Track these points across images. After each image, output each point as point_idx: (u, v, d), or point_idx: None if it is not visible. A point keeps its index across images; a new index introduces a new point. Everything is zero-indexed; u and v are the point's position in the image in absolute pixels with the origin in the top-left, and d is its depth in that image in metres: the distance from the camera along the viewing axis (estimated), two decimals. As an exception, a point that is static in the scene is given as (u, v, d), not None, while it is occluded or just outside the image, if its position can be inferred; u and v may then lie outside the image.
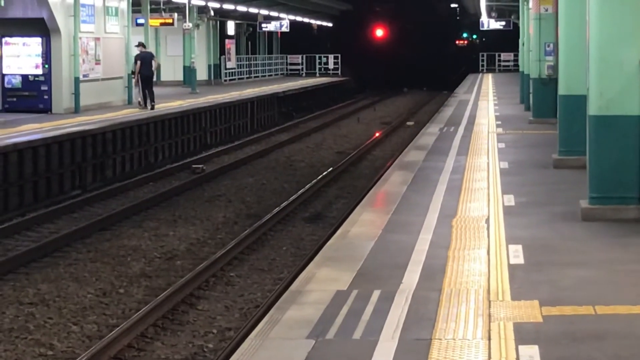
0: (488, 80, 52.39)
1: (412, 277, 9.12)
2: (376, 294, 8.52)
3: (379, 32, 77.18)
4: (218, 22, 49.85)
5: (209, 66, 48.13)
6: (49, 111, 26.55)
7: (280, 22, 55.72)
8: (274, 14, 54.68)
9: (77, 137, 21.69)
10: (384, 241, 10.81)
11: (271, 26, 55.88)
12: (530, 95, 26.79)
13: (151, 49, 34.48)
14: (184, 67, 42.51)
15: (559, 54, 17.09)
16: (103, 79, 29.16)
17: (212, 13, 46.24)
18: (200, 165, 24.67)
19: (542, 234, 11.10)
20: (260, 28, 56.09)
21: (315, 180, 21.97)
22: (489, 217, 12.09)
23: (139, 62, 28.95)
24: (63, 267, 14.25)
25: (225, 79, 49.25)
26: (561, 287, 8.67)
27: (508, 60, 63.65)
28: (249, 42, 57.99)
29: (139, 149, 25.04)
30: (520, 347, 7.04)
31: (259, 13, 53.03)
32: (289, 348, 7.18)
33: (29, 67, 26.61)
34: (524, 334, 7.34)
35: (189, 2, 40.16)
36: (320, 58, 62.78)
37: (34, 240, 16.18)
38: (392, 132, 35.10)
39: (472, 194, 13.96)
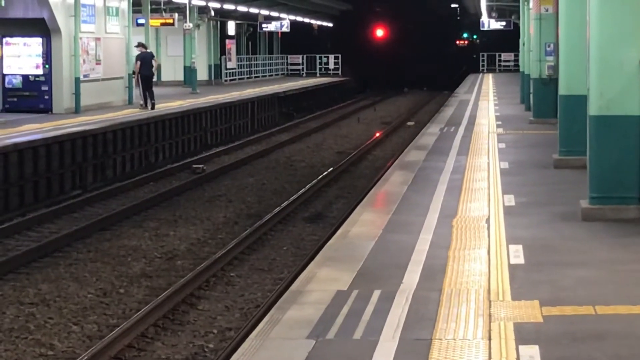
0: (488, 81, 52.39)
1: (412, 277, 9.12)
2: (376, 294, 8.52)
3: (380, 32, 77.20)
4: (218, 22, 49.86)
5: (210, 66, 48.14)
6: (50, 111, 26.56)
7: (280, 22, 55.74)
8: (274, 14, 54.69)
9: (78, 137, 21.69)
10: (385, 241, 10.81)
11: (272, 26, 55.90)
12: (531, 95, 26.79)
13: (152, 49, 34.46)
14: (185, 67, 42.51)
15: (559, 54, 17.09)
16: (103, 79, 29.16)
17: (212, 13, 46.24)
18: (200, 165, 24.67)
19: (543, 234, 11.10)
20: (261, 28, 56.11)
21: (315, 180, 21.97)
22: (489, 217, 12.10)
23: (138, 62, 28.97)
24: (63, 267, 14.25)
25: (226, 79, 49.25)
26: (561, 287, 8.68)
27: (508, 61, 63.65)
28: (250, 42, 58.00)
29: (139, 149, 25.04)
30: (520, 347, 7.04)
31: (259, 13, 53.05)
32: (289, 348, 7.19)
33: (30, 67, 26.61)
34: (524, 334, 7.34)
35: (190, 2, 40.16)
36: (320, 58, 62.79)
37: (35, 240, 16.18)
38: (393, 132, 35.10)
39: (472, 194, 13.97)
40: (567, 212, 12.24)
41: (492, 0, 48.38)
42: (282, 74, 60.43)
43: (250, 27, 56.35)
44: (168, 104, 30.52)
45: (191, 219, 18.02)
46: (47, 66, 26.57)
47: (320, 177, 22.59)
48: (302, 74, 61.40)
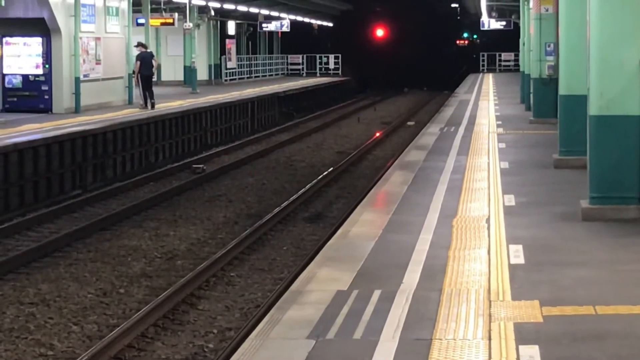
0: (488, 80, 52.39)
1: (412, 277, 9.12)
2: (377, 294, 8.52)
3: (380, 32, 77.21)
4: (218, 22, 49.85)
5: (210, 66, 48.13)
6: (50, 111, 26.55)
7: (280, 22, 55.73)
8: (274, 13, 54.69)
9: (78, 137, 21.69)
10: (385, 241, 10.81)
11: (272, 26, 55.89)
12: (531, 95, 26.79)
13: (152, 48, 34.46)
14: (185, 67, 42.51)
15: (559, 54, 17.09)
16: (103, 79, 29.16)
17: (212, 13, 46.24)
18: (200, 165, 24.67)
19: (543, 234, 11.10)
20: (261, 28, 56.10)
21: (315, 180, 21.97)
22: (489, 217, 12.10)
23: (138, 62, 28.98)
24: (63, 267, 14.25)
25: (226, 78, 49.25)
26: (562, 287, 8.67)
27: (508, 60, 63.65)
28: (250, 42, 58.00)
29: (139, 149, 25.04)
30: (520, 347, 7.04)
31: (259, 13, 53.04)
32: (289, 348, 7.19)
33: (30, 67, 26.61)
34: (524, 334, 7.34)
35: (190, 2, 40.15)
36: (320, 58, 62.79)
37: (35, 240, 16.18)
38: (393, 132, 35.10)
39: (472, 194, 13.97)
40: (567, 212, 12.24)
41: (492, 0, 48.36)
42: (282, 74, 60.44)
43: (250, 26, 56.35)
44: (168, 104, 30.52)
45: (191, 219, 18.02)
46: (47, 66, 26.57)
47: (320, 177, 22.58)
48: (302, 73, 61.40)
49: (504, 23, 53.36)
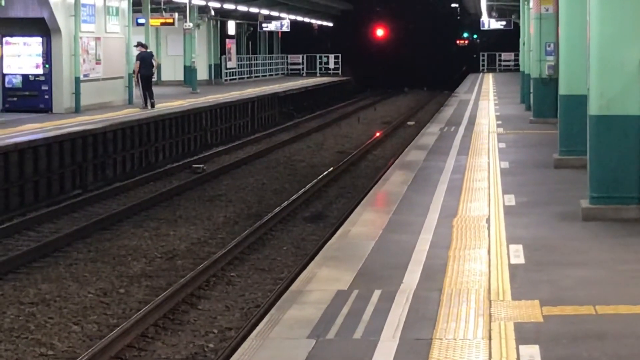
0: (488, 80, 52.39)
1: (412, 277, 9.12)
2: (377, 293, 8.52)
3: (380, 32, 77.22)
4: (219, 22, 49.86)
5: (210, 66, 48.13)
6: (50, 111, 26.56)
7: (280, 22, 55.74)
8: (274, 13, 54.69)
9: (78, 136, 21.69)
10: (385, 241, 10.81)
11: (272, 26, 55.90)
12: (531, 95, 26.79)
13: (152, 48, 34.48)
14: (185, 66, 42.51)
15: (559, 54, 17.09)
16: (104, 79, 29.17)
17: (212, 13, 46.26)
18: (200, 165, 24.67)
19: (543, 233, 11.10)
20: (261, 28, 56.11)
21: (315, 180, 21.97)
22: (489, 217, 12.10)
23: (138, 62, 28.99)
24: (64, 267, 14.25)
25: (226, 78, 49.27)
26: (562, 286, 8.68)
27: (509, 60, 63.66)
28: (250, 42, 58.01)
29: (139, 149, 25.04)
30: (521, 346, 7.04)
31: (259, 13, 53.04)
32: (289, 348, 7.19)
33: (30, 66, 26.61)
34: (524, 333, 7.34)
35: (190, 2, 40.16)
36: (320, 58, 62.81)
37: (35, 240, 16.18)
38: (393, 132, 35.10)
39: (472, 193, 13.97)
40: (567, 212, 12.24)
41: (492, 0, 48.36)
42: (282, 74, 60.44)
43: (250, 26, 56.35)
44: (168, 104, 30.53)
45: (191, 219, 18.02)
46: (47, 66, 26.57)
47: (320, 176, 22.59)
48: (303, 73, 61.41)
49: (504, 23, 53.37)
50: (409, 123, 37.84)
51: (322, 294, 8.57)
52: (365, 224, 11.88)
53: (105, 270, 14.01)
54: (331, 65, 62.28)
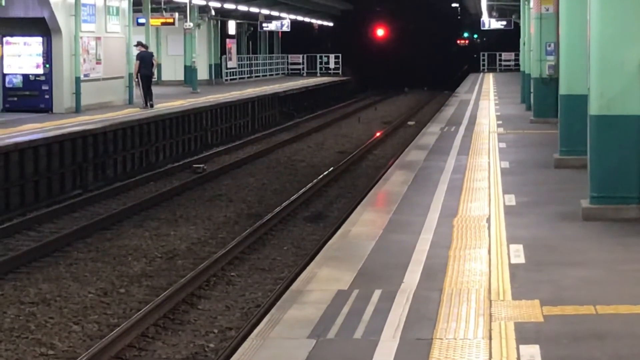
0: (489, 80, 52.39)
1: (413, 276, 9.12)
2: (377, 293, 8.52)
3: (380, 32, 77.23)
4: (219, 22, 49.85)
5: (210, 66, 48.12)
6: (50, 111, 26.56)
7: (281, 22, 55.73)
8: (275, 13, 54.69)
9: (78, 136, 21.69)
10: (385, 241, 10.81)
11: (272, 26, 55.89)
12: (531, 95, 26.79)
13: (152, 48, 34.48)
14: (185, 66, 42.50)
15: (559, 54, 17.09)
16: (104, 79, 29.17)
17: (213, 13, 46.25)
18: (201, 165, 24.67)
19: (543, 233, 11.10)
20: (261, 28, 56.10)
21: (316, 180, 21.97)
22: (490, 216, 12.10)
23: (138, 62, 29.00)
24: (64, 267, 14.25)
25: (226, 78, 49.26)
26: (562, 286, 8.68)
27: (509, 60, 63.65)
28: (250, 42, 58.00)
29: (139, 149, 25.04)
30: (521, 346, 7.04)
31: (260, 13, 53.04)
32: (289, 348, 7.19)
33: (30, 66, 26.61)
34: (525, 333, 7.34)
35: (190, 2, 40.15)
36: (321, 58, 62.79)
37: (35, 239, 16.18)
38: (393, 132, 35.10)
39: (473, 193, 13.97)
40: (567, 212, 12.24)
41: (492, 0, 48.35)
42: (282, 74, 60.44)
43: (250, 26, 56.35)
44: (168, 104, 30.53)
45: (192, 219, 18.02)
46: (47, 66, 26.57)
47: (320, 176, 22.59)
48: (303, 73, 61.41)
49: (504, 23, 53.34)
50: (409, 123, 37.84)
51: (323, 293, 8.57)
52: (365, 224, 11.89)
53: (106, 270, 14.02)
54: (331, 65, 62.27)
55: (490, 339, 7.24)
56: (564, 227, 11.49)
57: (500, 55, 64.77)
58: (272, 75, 57.80)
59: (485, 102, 34.62)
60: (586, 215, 11.80)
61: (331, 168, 24.14)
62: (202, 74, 44.77)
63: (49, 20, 26.20)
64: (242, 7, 48.72)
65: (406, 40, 73.44)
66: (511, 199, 13.35)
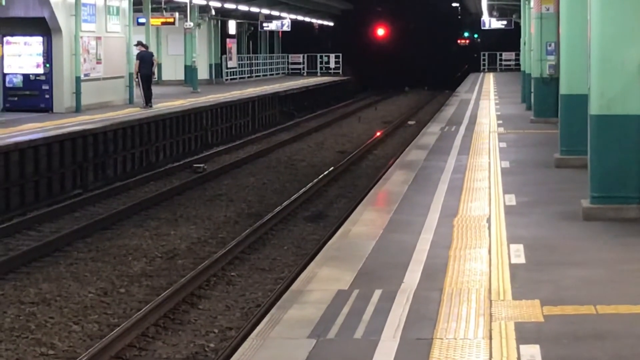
0: (489, 80, 52.38)
1: (413, 276, 9.12)
2: (377, 293, 8.52)
3: (380, 32, 77.22)
4: (219, 22, 49.85)
5: (210, 65, 48.12)
6: (50, 110, 26.56)
7: (281, 22, 55.72)
8: (275, 13, 54.69)
9: (79, 136, 21.69)
10: (385, 241, 10.81)
11: (272, 25, 55.88)
12: (532, 95, 26.78)
13: (152, 48, 34.48)
14: (185, 66, 42.49)
15: (560, 54, 17.08)
16: (104, 78, 29.17)
17: (213, 12, 46.25)
18: (201, 165, 24.68)
19: (544, 233, 11.10)
20: (262, 27, 56.09)
21: (316, 180, 21.97)
22: (490, 216, 12.09)
23: (138, 61, 29.01)
24: (64, 267, 14.25)
25: (227, 78, 49.26)
26: (562, 286, 8.67)
27: (509, 60, 63.65)
28: (250, 42, 58.00)
29: (140, 149, 25.04)
30: (521, 346, 7.04)
31: (260, 12, 53.04)
32: (290, 347, 7.18)
33: (30, 66, 26.61)
34: (525, 333, 7.34)
35: (190, 2, 40.16)
36: (321, 57, 62.78)
37: (35, 239, 16.18)
38: (393, 132, 35.10)
39: (473, 193, 13.96)
40: (568, 212, 12.24)
41: (493, 0, 48.35)
42: (282, 73, 60.44)
43: (251, 26, 56.35)
44: (169, 103, 30.53)
45: (192, 219, 18.02)
46: (47, 65, 26.57)
47: (321, 176, 22.59)
48: (303, 73, 61.41)
49: (504, 22, 53.33)
50: (409, 122, 37.84)
51: (323, 293, 8.56)
52: (365, 224, 11.88)
53: (106, 270, 14.02)
54: (332, 65, 62.26)
55: (491, 338, 7.24)
56: (564, 227, 11.48)
57: (500, 55, 64.76)
58: (272, 74, 57.80)
59: (486, 101, 34.62)
60: (586, 215, 11.80)
61: (331, 168, 24.14)
62: (203, 73, 44.78)
63: (49, 20, 26.20)
64: (243, 7, 48.73)
65: (406, 40, 73.43)
66: (511, 199, 13.34)
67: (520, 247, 10.27)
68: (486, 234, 11.03)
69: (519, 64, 48.78)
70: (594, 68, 11.78)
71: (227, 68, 49.56)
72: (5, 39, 26.51)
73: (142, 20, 35.95)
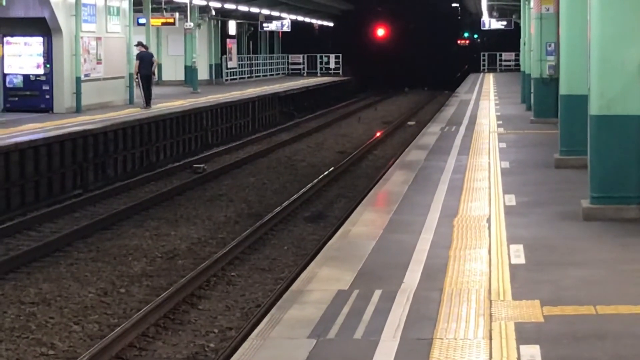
0: (489, 80, 52.38)
1: (413, 276, 9.12)
2: (377, 293, 8.52)
3: (380, 32, 77.22)
4: (219, 22, 49.85)
5: (210, 66, 48.12)
6: (51, 111, 26.56)
7: (281, 22, 55.73)
8: (275, 13, 54.69)
9: (79, 136, 21.70)
10: (385, 241, 10.81)
11: (272, 26, 55.88)
12: (532, 95, 26.79)
13: (152, 48, 34.48)
14: (185, 66, 42.50)
15: (560, 54, 17.09)
16: (104, 79, 29.17)
17: (213, 13, 46.24)
18: (201, 165, 24.68)
19: (544, 233, 11.10)
20: (262, 28, 56.10)
21: (316, 180, 21.97)
22: (490, 216, 12.10)
23: (137, 62, 29.02)
24: (64, 267, 14.26)
25: (227, 78, 49.26)
26: (562, 286, 8.68)
27: (509, 60, 63.65)
28: (251, 42, 58.00)
29: (140, 149, 25.05)
30: (521, 346, 7.04)
31: (260, 13, 53.04)
32: (290, 348, 7.19)
33: (31, 66, 26.61)
34: (525, 333, 7.34)
35: (191, 2, 40.16)
36: (321, 58, 62.78)
37: (36, 239, 16.19)
38: (393, 132, 35.10)
39: (473, 193, 13.97)
40: (568, 212, 12.24)
41: (492, 0, 48.34)
42: (283, 74, 60.44)
43: (251, 26, 56.35)
44: (169, 104, 30.54)
45: (192, 219, 18.03)
46: (48, 66, 26.57)
47: (321, 176, 22.59)
48: (303, 73, 61.41)
49: (504, 23, 53.33)
50: (409, 123, 37.83)
51: (323, 293, 8.57)
52: (365, 224, 11.89)
53: (106, 270, 14.02)
54: (332, 65, 62.26)
55: (491, 339, 7.24)
56: (564, 227, 11.49)
57: (500, 55, 64.76)
58: (272, 75, 57.80)
59: (486, 102, 34.62)
60: (586, 215, 11.80)
61: (331, 168, 24.14)
62: (203, 74, 44.78)
63: (49, 20, 26.21)
64: (243, 7, 48.72)
65: (406, 40, 73.42)
66: (511, 199, 13.35)
67: (520, 247, 10.28)
68: (486, 234, 11.03)
69: (518, 65, 48.77)
70: (594, 68, 11.79)
71: (227, 68, 49.56)
72: (5, 39, 26.52)
73: (142, 20, 35.96)
